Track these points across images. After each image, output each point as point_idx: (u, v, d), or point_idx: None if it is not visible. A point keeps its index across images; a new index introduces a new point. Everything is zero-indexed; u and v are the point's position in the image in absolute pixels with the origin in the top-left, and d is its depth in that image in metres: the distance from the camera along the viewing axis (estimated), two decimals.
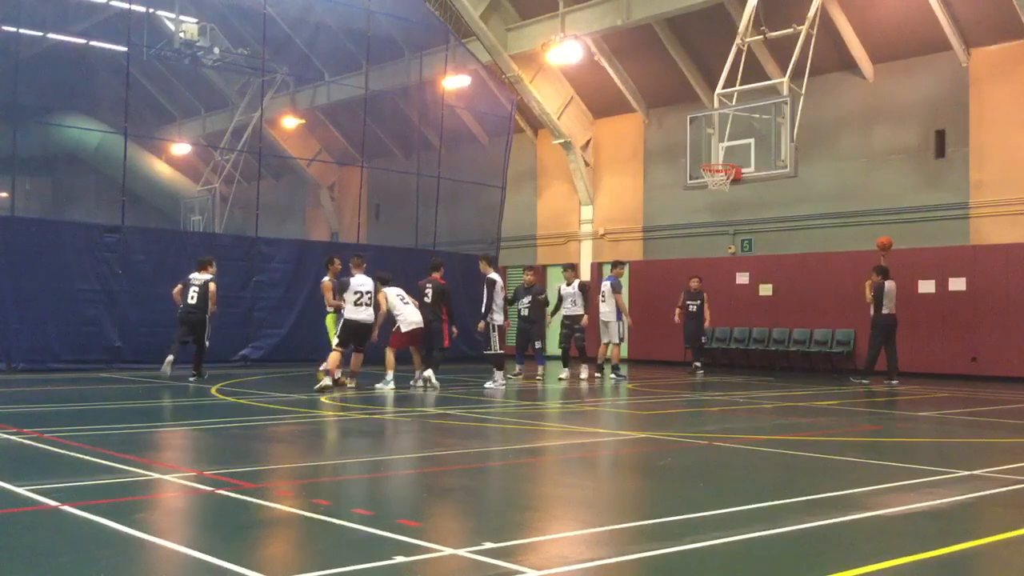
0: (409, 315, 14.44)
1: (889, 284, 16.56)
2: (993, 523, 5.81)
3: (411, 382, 14.70)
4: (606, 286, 17.43)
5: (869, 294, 16.70)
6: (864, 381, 16.57)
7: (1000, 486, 6.80)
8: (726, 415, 11.93)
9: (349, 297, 13.97)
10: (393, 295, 14.51)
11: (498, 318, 15.18)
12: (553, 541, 5.16)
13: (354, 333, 14.08)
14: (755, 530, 5.17)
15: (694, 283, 19.76)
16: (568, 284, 17.54)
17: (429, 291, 14.60)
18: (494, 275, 15.35)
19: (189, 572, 4.47)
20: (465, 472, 7.51)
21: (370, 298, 14.13)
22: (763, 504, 6.04)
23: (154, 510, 5.90)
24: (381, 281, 14.72)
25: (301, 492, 6.43)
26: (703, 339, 19.76)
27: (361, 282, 14.09)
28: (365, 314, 14.03)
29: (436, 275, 14.85)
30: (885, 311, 16.50)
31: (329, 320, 15.25)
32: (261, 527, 5.45)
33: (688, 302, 19.60)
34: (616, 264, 18.46)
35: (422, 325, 14.52)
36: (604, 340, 17.61)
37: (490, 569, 4.38)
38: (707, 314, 19.49)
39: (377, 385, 14.17)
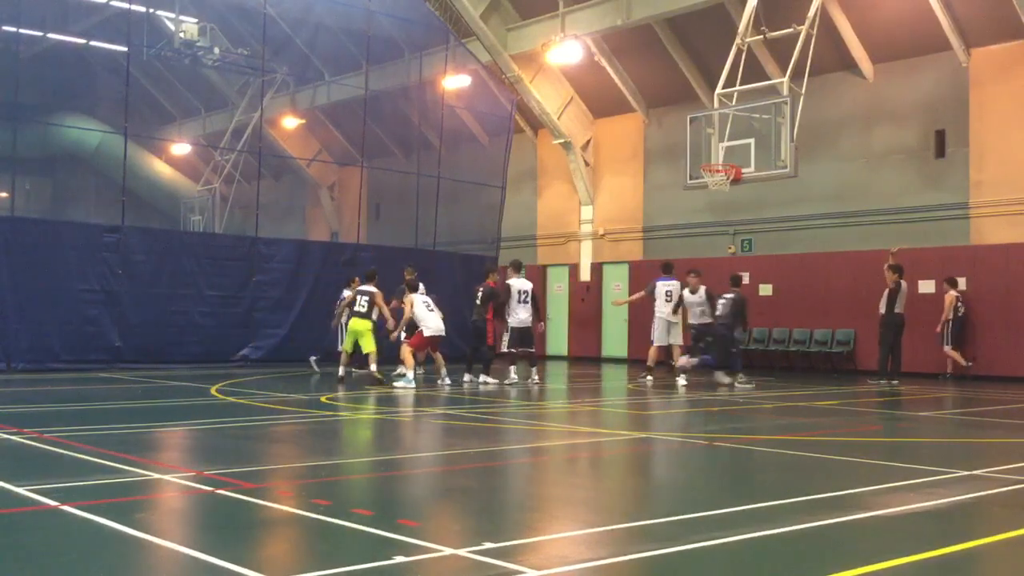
0: (432, 322, 15.26)
1: (904, 284, 16.56)
2: (993, 523, 5.81)
3: (438, 381, 15.36)
4: (674, 286, 16.94)
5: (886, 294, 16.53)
6: (882, 381, 16.32)
7: (1000, 486, 6.80)
8: (726, 415, 11.93)
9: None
10: (419, 302, 15.42)
11: (512, 320, 15.79)
12: (553, 541, 5.16)
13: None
14: (755, 530, 5.17)
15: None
16: (693, 291, 16.29)
17: (480, 294, 15.90)
18: (512, 280, 16.08)
19: (189, 572, 4.47)
20: (465, 472, 7.51)
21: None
22: (763, 504, 6.03)
23: (154, 510, 5.90)
24: (409, 287, 15.79)
25: (301, 492, 6.43)
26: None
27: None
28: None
29: (489, 280, 16.11)
30: (897, 310, 16.45)
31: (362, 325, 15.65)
32: (261, 527, 5.45)
33: None
34: (670, 267, 17.62)
35: (443, 334, 15.52)
36: (661, 342, 17.03)
37: (490, 569, 4.38)
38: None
39: (396, 384, 14.59)
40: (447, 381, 15.24)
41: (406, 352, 15.08)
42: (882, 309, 16.71)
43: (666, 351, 17.37)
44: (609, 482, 7.55)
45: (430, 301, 15.52)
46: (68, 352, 17.11)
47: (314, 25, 26.07)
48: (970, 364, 17.95)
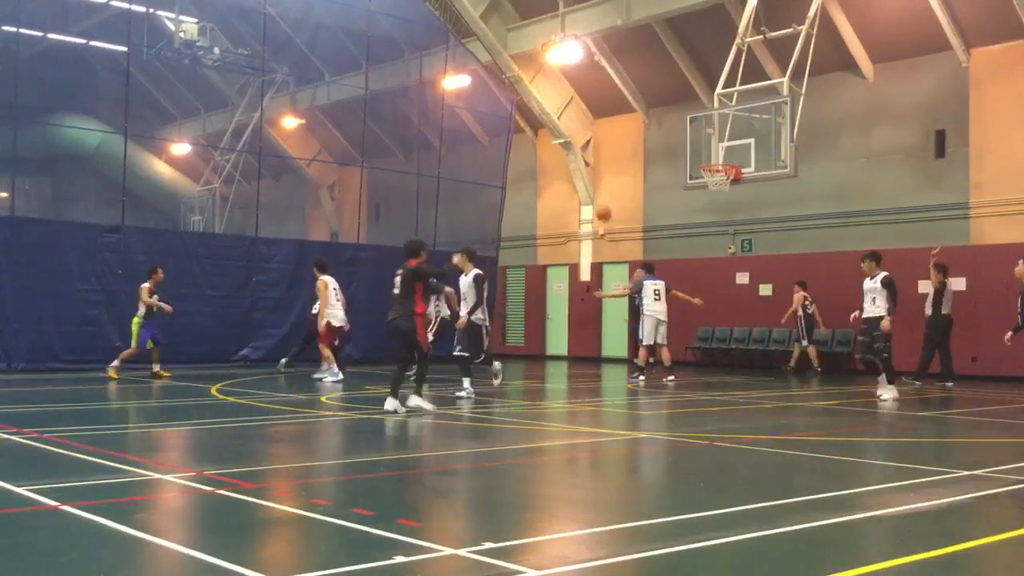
0: (339, 311, 15.51)
1: (949, 283, 16.46)
2: (993, 523, 5.81)
3: (315, 375, 15.47)
4: (661, 285, 16.71)
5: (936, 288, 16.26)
6: (917, 383, 16.08)
7: (1000, 486, 6.80)
8: (726, 415, 11.93)
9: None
10: (332, 287, 15.50)
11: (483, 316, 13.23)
12: (553, 541, 5.16)
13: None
14: (755, 530, 5.17)
15: (638, 275, 18.04)
16: (871, 277, 13.60)
17: (397, 280, 11.10)
18: (476, 271, 13.16)
19: (189, 572, 4.47)
20: (465, 472, 7.51)
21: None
22: (763, 504, 6.03)
23: (154, 510, 5.90)
24: (319, 267, 15.67)
25: (301, 492, 6.42)
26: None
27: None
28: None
29: (413, 260, 11.17)
30: (944, 311, 16.30)
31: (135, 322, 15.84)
32: (261, 527, 5.45)
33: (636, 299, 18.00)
34: (653, 267, 17.37)
35: (348, 326, 15.58)
36: (650, 341, 16.65)
37: (490, 569, 4.37)
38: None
39: (325, 378, 15.04)
40: (326, 378, 15.24)
41: (322, 348, 15.43)
42: (928, 311, 16.48)
43: (649, 349, 17.15)
44: (609, 482, 7.55)
45: (338, 288, 15.55)
46: (68, 352, 17.11)
47: (314, 25, 26.07)
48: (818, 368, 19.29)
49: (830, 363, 20.05)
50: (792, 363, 19.84)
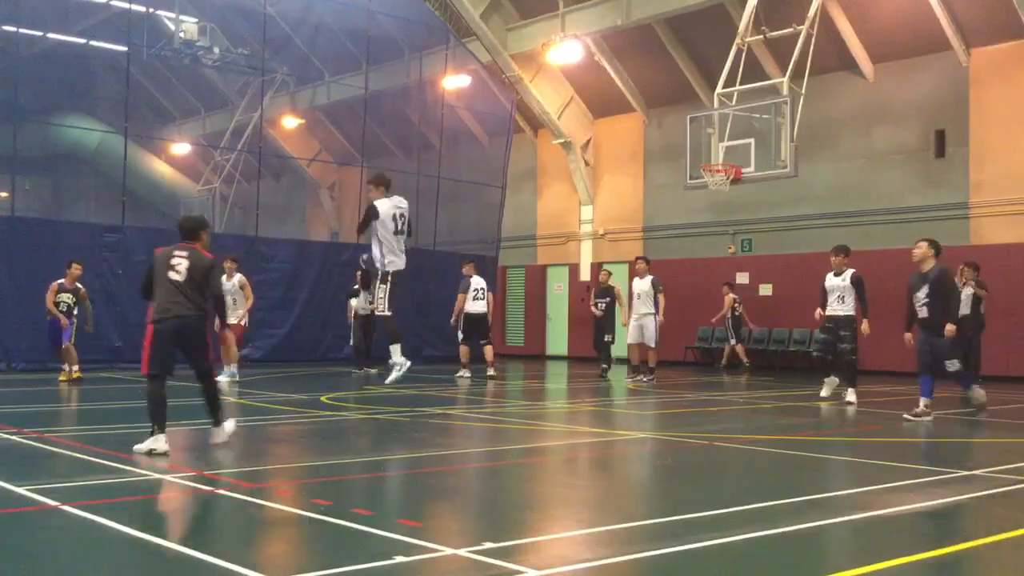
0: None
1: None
2: (993, 523, 5.80)
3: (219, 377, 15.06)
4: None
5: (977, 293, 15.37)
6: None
7: (1000, 486, 6.80)
8: (726, 415, 11.93)
9: (469, 293, 16.36)
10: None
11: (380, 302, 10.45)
12: (553, 541, 5.16)
13: (472, 324, 16.51)
14: (755, 530, 5.17)
15: (603, 277, 18.03)
16: (837, 273, 12.89)
17: (183, 265, 7.98)
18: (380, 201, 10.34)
19: (189, 572, 4.47)
20: (465, 472, 7.51)
21: (483, 293, 16.51)
22: (763, 504, 6.03)
23: (154, 510, 5.90)
24: (235, 261, 15.47)
25: (301, 492, 6.43)
26: (607, 338, 17.78)
27: (478, 282, 16.65)
28: (479, 306, 16.48)
29: (196, 244, 8.25)
30: (982, 310, 16.10)
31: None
32: (261, 527, 5.45)
33: (597, 300, 17.78)
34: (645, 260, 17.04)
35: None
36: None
37: (490, 569, 4.38)
38: (623, 312, 17.33)
39: (230, 377, 14.95)
40: (233, 376, 15.01)
41: (235, 348, 15.22)
42: (967, 310, 16.24)
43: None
44: (609, 482, 7.55)
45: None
46: None
47: (314, 25, 26.10)
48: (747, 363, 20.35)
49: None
50: (724, 361, 20.92)
